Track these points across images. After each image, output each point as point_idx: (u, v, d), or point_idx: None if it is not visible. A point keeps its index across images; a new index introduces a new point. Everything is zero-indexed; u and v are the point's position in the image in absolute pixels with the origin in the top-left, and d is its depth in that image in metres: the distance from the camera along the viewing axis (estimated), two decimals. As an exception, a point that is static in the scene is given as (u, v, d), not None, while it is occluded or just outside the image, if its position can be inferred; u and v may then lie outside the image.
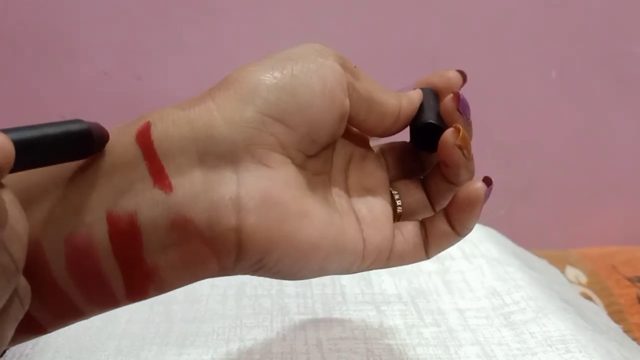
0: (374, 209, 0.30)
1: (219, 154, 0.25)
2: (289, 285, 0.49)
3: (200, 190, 0.25)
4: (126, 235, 0.24)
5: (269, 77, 0.26)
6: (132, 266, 0.25)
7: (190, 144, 0.25)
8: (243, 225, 0.25)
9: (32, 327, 0.26)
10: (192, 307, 0.46)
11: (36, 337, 0.27)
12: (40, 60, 0.70)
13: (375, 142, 0.33)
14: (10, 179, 0.23)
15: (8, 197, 0.20)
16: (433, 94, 0.31)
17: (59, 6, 0.68)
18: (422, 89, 0.31)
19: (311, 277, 0.28)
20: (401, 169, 0.33)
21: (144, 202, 0.24)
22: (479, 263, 0.53)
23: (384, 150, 0.33)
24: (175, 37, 0.70)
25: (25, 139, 0.21)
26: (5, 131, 0.20)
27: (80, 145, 0.23)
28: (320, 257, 0.27)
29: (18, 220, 0.19)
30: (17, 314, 0.21)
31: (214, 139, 0.25)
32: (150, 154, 0.25)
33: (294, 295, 0.48)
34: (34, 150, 0.21)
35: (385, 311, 0.46)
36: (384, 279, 0.50)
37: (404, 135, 0.32)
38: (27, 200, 0.24)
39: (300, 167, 0.28)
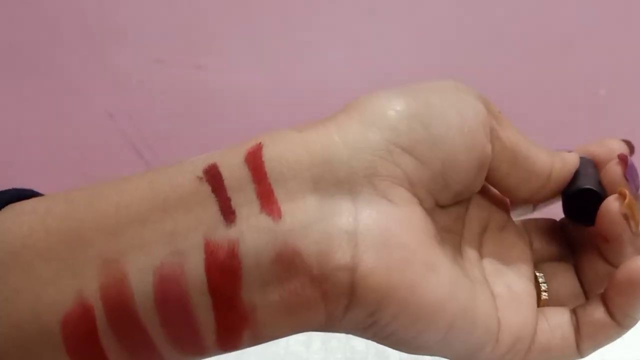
0: (513, 287, 0.30)
1: (336, 181, 0.26)
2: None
3: (313, 220, 0.25)
4: (225, 268, 0.24)
5: (399, 102, 0.27)
6: (227, 305, 0.25)
7: (305, 168, 0.26)
8: (359, 264, 0.25)
9: None
10: (268, 348, 0.45)
11: None
12: (83, 47, 0.71)
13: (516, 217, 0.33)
14: (97, 201, 0.25)
15: None
16: (591, 164, 0.31)
17: (104, -16, 0.69)
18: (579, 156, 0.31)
19: (428, 352, 0.27)
20: (547, 250, 0.33)
21: (248, 230, 0.25)
22: None
23: (527, 227, 0.33)
24: (244, 21, 0.69)
25: None
26: None
27: None
28: (444, 324, 0.26)
29: None
30: None
31: (332, 165, 0.26)
32: (259, 177, 0.25)
33: (393, 338, 0.46)
34: None
35: None
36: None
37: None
38: (115, 223, 0.25)
39: (429, 214, 0.27)
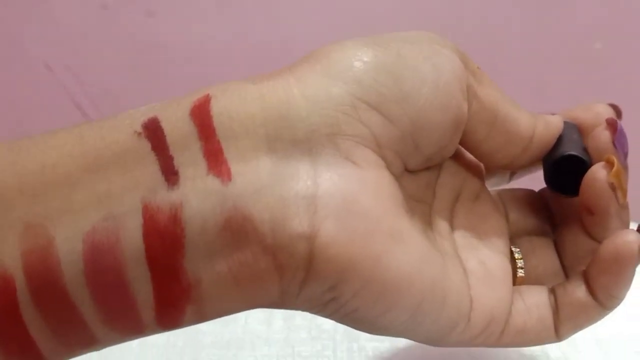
0: (487, 263, 0.29)
1: (294, 139, 0.25)
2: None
3: (267, 183, 0.24)
4: (165, 234, 0.24)
5: (367, 53, 0.26)
6: (168, 277, 0.24)
7: (259, 124, 0.25)
8: (317, 232, 0.24)
9: (30, 356, 0.25)
10: (226, 327, 0.44)
11: None
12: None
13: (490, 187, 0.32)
14: (20, 159, 0.24)
15: None
16: (575, 129, 0.31)
17: None
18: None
19: (394, 332, 0.27)
20: (525, 223, 0.33)
21: (193, 192, 0.24)
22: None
23: (503, 198, 0.33)
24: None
25: None
26: None
27: None
28: (411, 302, 0.26)
29: None
30: None
31: (290, 120, 0.25)
32: (206, 133, 0.24)
33: (364, 315, 0.46)
34: None
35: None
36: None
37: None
38: (40, 184, 0.24)
39: (397, 180, 0.27)
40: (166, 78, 0.67)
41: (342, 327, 0.44)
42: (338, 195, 0.25)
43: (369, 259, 0.25)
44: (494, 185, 0.34)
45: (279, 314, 0.46)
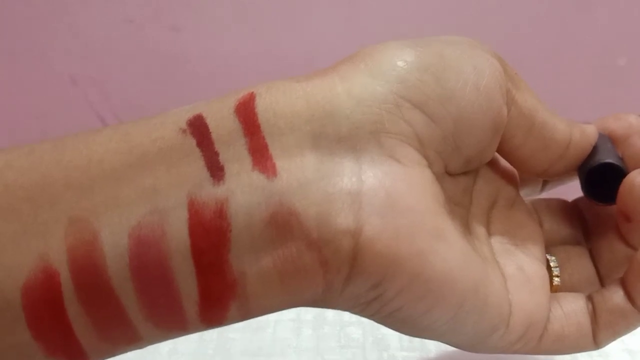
0: (525, 268, 0.29)
1: (338, 136, 0.25)
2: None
3: (312, 179, 0.24)
4: (211, 229, 0.24)
5: (410, 53, 0.26)
6: (213, 272, 0.24)
7: (304, 121, 0.25)
8: (362, 228, 0.24)
9: (72, 352, 0.25)
10: (255, 335, 0.44)
11: None
12: (46, 6, 0.69)
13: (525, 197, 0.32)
14: (66, 155, 0.24)
15: None
16: (607, 139, 0.31)
17: None
18: None
19: (435, 334, 0.27)
20: (559, 232, 0.33)
21: (238, 187, 0.24)
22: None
23: (537, 207, 0.33)
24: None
25: None
26: None
27: None
28: (454, 301, 0.26)
29: None
30: None
31: (334, 118, 0.25)
32: (251, 129, 0.25)
33: (393, 324, 0.46)
34: None
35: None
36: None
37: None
38: (86, 179, 0.24)
39: (437, 179, 0.27)
40: (190, 92, 0.67)
41: (371, 336, 0.44)
42: (382, 191, 0.25)
43: (414, 255, 0.25)
44: (527, 196, 0.34)
45: (307, 323, 0.45)
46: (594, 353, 0.43)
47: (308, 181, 0.24)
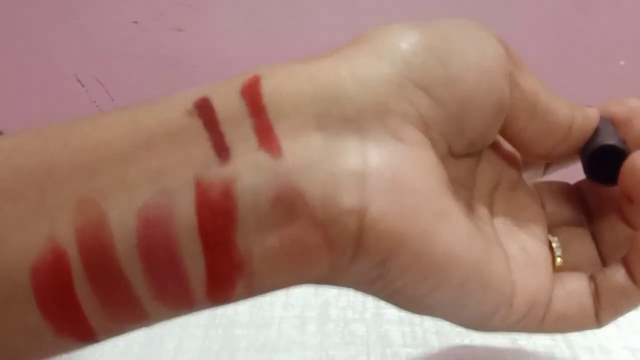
0: (527, 248, 0.29)
1: (343, 117, 0.25)
2: (388, 308, 0.47)
3: (317, 159, 0.24)
4: (218, 209, 0.24)
5: (414, 34, 0.26)
6: (220, 251, 0.24)
7: (309, 103, 0.25)
8: (368, 208, 0.24)
9: (81, 331, 0.25)
10: (260, 332, 0.45)
11: (81, 346, 0.26)
12: (49, 4, 0.70)
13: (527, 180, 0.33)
14: (74, 137, 0.24)
15: None
16: (609, 122, 0.31)
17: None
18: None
19: (439, 313, 0.27)
20: (561, 214, 0.33)
21: (245, 168, 0.24)
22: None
23: (540, 189, 0.33)
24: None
25: None
26: None
27: None
28: (457, 280, 0.26)
29: None
30: None
31: (339, 100, 0.25)
32: (257, 110, 0.25)
33: (397, 321, 0.46)
34: None
35: (524, 346, 0.44)
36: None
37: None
38: (93, 161, 0.24)
39: (441, 161, 0.27)
40: (195, 92, 0.67)
41: (375, 333, 0.44)
42: (387, 171, 0.25)
43: (418, 235, 0.25)
44: (529, 178, 0.34)
45: (312, 320, 0.46)
46: (596, 350, 0.43)
47: (313, 161, 0.24)
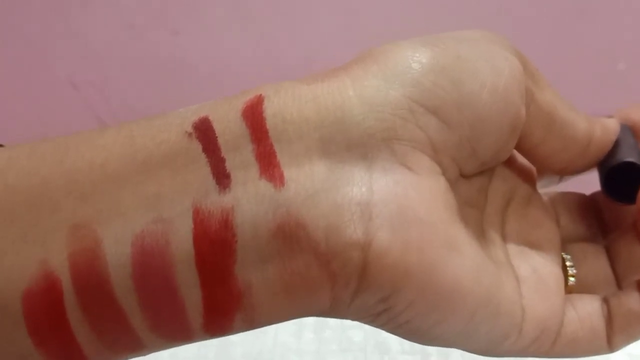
0: (539, 270, 0.28)
1: (348, 143, 0.24)
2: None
3: (321, 188, 0.23)
4: (216, 239, 0.23)
5: (425, 53, 0.25)
6: (218, 283, 0.23)
7: (313, 127, 0.24)
8: (372, 241, 0.23)
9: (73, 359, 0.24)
10: (256, 339, 0.45)
11: None
12: (44, 7, 0.69)
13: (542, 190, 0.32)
14: (68, 157, 0.23)
15: None
16: (629, 132, 0.30)
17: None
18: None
19: (446, 343, 0.27)
20: (576, 229, 0.32)
21: (245, 197, 0.23)
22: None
23: (554, 201, 0.32)
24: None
25: None
26: None
27: None
28: (466, 313, 0.25)
29: None
30: None
31: (345, 124, 0.24)
32: (259, 135, 0.24)
33: (394, 328, 0.46)
34: None
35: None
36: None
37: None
38: (88, 184, 0.23)
39: (451, 186, 0.26)
40: (190, 95, 0.66)
41: (372, 340, 0.44)
42: (393, 202, 0.24)
43: (425, 268, 0.24)
44: (543, 187, 0.33)
45: (309, 327, 0.46)
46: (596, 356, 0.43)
47: (317, 191, 0.23)
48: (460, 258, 0.25)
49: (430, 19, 0.70)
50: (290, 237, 0.23)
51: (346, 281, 0.24)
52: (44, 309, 0.23)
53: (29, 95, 0.68)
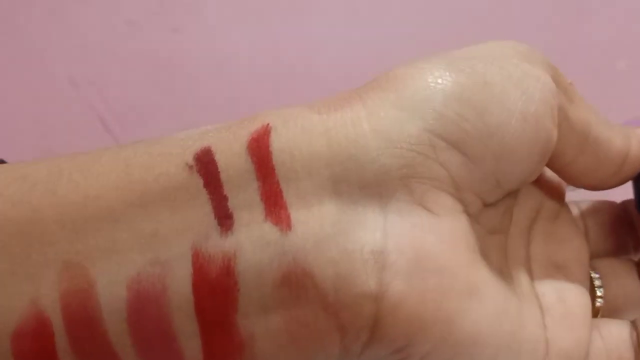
0: (566, 297, 0.27)
1: (362, 182, 0.22)
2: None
3: (330, 233, 0.22)
4: (217, 286, 0.22)
5: (448, 79, 0.23)
6: (219, 333, 0.22)
7: (324, 164, 0.22)
8: (386, 291, 0.22)
9: None
10: None
11: None
12: (43, 7, 0.69)
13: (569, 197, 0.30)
14: (61, 187, 0.22)
15: None
16: None
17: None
18: None
19: None
20: (605, 243, 0.30)
21: (248, 241, 0.22)
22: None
23: (583, 211, 0.31)
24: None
25: None
26: None
27: None
28: (486, 358, 0.24)
29: None
30: None
31: (359, 162, 0.22)
32: (265, 171, 0.22)
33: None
34: None
35: None
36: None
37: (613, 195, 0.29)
38: (81, 218, 0.22)
39: (474, 219, 0.25)
40: (191, 94, 0.66)
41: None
42: (410, 248, 0.22)
43: (443, 320, 0.22)
44: (570, 190, 0.31)
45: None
46: None
47: (326, 236, 0.22)
48: (481, 304, 0.23)
49: (430, 19, 0.70)
50: (296, 287, 0.22)
51: (357, 333, 0.23)
52: (34, 351, 0.22)
53: (28, 94, 0.68)
